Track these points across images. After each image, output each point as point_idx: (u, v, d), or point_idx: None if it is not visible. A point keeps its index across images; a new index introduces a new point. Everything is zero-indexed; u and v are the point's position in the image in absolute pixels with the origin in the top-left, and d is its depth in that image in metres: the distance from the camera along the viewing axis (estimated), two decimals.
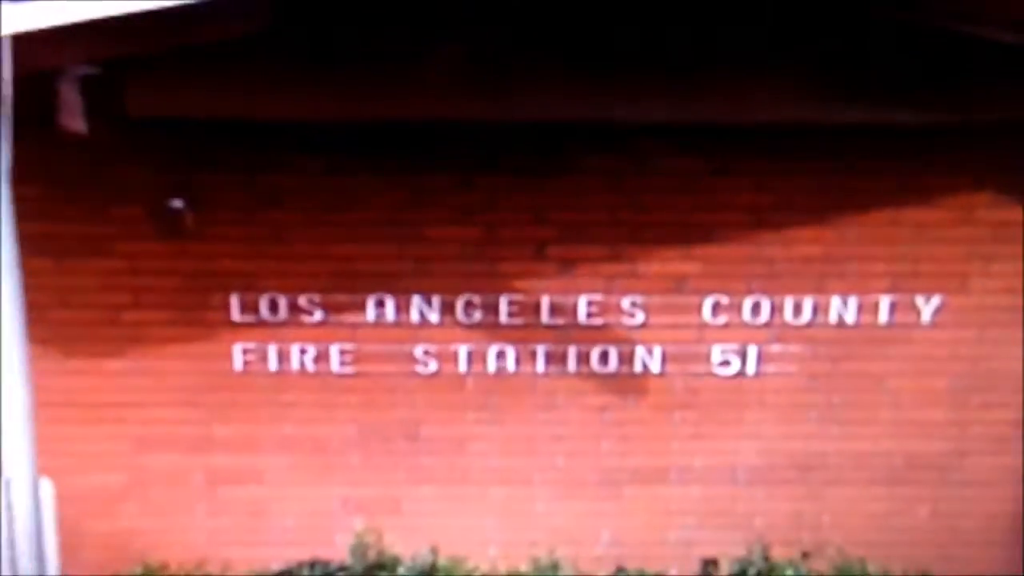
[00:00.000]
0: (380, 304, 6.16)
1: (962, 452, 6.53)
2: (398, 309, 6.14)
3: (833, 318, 6.26)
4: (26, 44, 4.31)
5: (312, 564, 6.53)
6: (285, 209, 6.01)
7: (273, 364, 6.18)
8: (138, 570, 6.42)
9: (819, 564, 6.57)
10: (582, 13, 5.35)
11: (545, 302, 6.21)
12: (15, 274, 4.65)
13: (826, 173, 6.04)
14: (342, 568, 6.49)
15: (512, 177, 5.98)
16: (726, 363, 6.29)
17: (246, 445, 6.31)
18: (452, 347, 6.25)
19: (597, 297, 6.22)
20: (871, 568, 6.55)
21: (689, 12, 5.27)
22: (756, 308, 6.21)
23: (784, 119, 5.54)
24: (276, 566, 6.47)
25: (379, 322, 6.18)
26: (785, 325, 6.25)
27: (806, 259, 6.15)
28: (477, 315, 6.19)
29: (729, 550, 6.60)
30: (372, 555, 6.47)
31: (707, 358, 6.30)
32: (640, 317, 6.23)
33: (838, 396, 6.42)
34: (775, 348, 6.28)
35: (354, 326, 6.18)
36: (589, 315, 6.23)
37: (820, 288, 6.18)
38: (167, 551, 6.46)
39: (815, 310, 6.22)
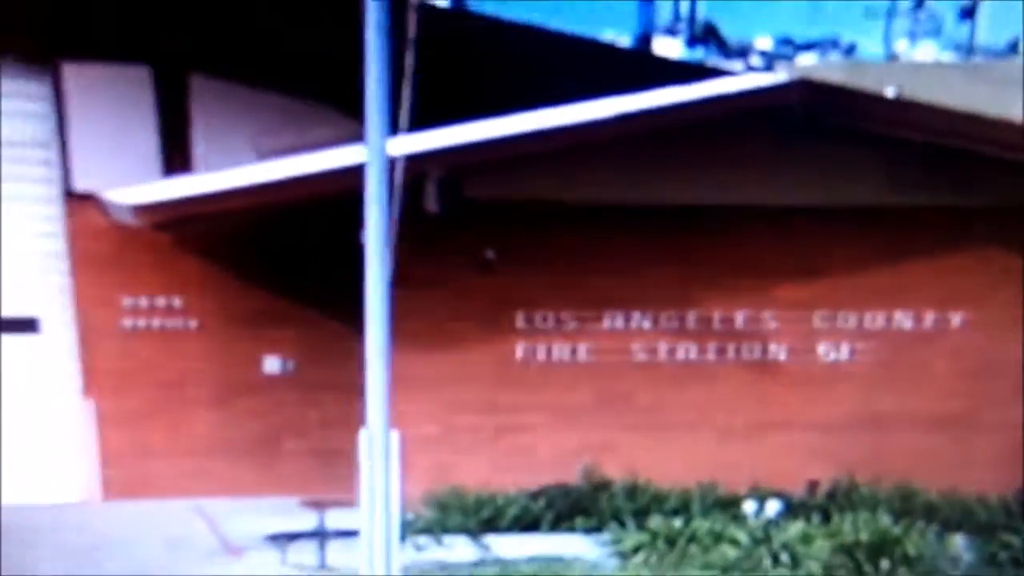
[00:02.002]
0: (612, 317, 10.59)
1: (978, 409, 10.84)
2: (624, 320, 10.47)
3: (895, 325, 10.78)
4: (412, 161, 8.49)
5: (557, 485, 10.65)
6: (555, 256, 10.26)
7: (541, 355, 10.46)
8: (447, 488, 10.51)
9: (885, 485, 10.83)
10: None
11: (716, 316, 10.78)
12: (384, 293, 8.52)
13: (895, 239, 10.57)
14: (576, 488, 10.68)
15: (704, 241, 10.50)
16: (827, 354, 10.76)
17: (519, 408, 10.45)
18: (656, 344, 10.67)
19: (749, 313, 10.77)
20: (917, 488, 10.85)
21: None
22: (845, 319, 10.83)
23: (874, 203, 10.22)
24: (533, 487, 10.57)
25: (611, 329, 10.57)
26: (864, 330, 10.79)
27: (878, 289, 10.77)
28: (673, 324, 10.57)
29: (826, 476, 10.90)
30: (596, 479, 10.81)
31: (815, 351, 10.84)
32: (774, 325, 10.79)
33: (897, 375, 10.83)
34: (858, 345, 10.83)
35: (594, 331, 10.54)
36: (744, 324, 10.65)
37: (888, 306, 10.69)
38: (465, 477, 10.51)
39: (885, 320, 10.76)
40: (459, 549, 11.03)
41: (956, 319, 11.36)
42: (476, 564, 10.79)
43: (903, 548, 10.40)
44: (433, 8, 12.23)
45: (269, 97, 12.25)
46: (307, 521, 11.28)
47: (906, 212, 11.01)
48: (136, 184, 11.65)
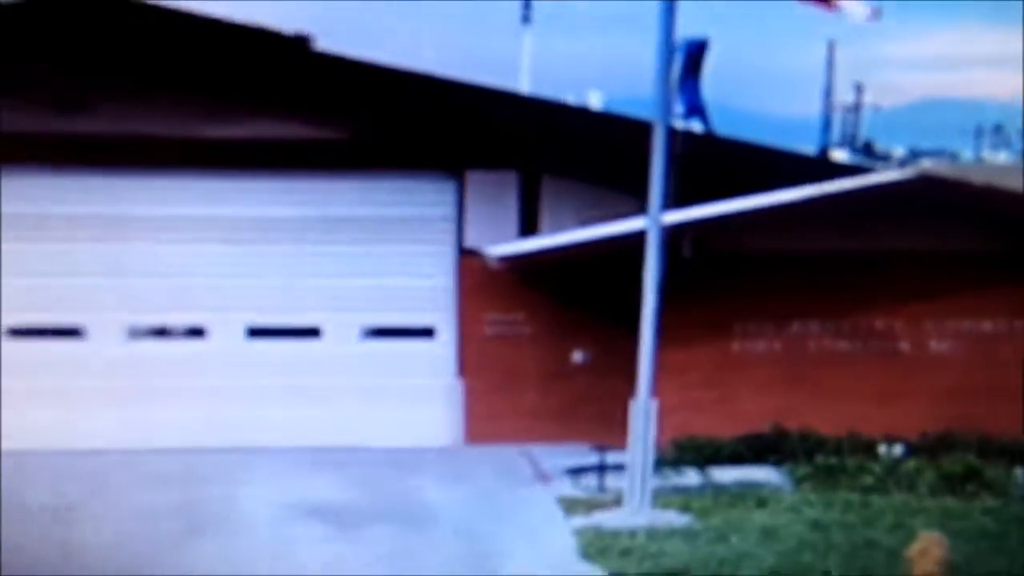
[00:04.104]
0: (794, 325, 15.18)
1: (1009, 383, 15.05)
2: (802, 327, 15.11)
3: (978, 329, 15.35)
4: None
5: (755, 434, 14.98)
6: (759, 285, 14.80)
7: (748, 350, 15.13)
8: (684, 437, 14.82)
9: (972, 435, 15.04)
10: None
11: (862, 323, 15.40)
12: (654, 310, 12.95)
13: (978, 273, 15.29)
14: (767, 436, 15.05)
15: (855, 276, 15.19)
16: (934, 347, 15.22)
17: (732, 384, 15.03)
18: (822, 342, 15.23)
19: (883, 321, 15.28)
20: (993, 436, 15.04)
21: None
22: (946, 325, 15.42)
23: (966, 250, 15.04)
24: (739, 435, 15.00)
25: (794, 332, 15.23)
26: (958, 331, 15.41)
27: (968, 305, 15.35)
28: (833, 329, 15.21)
29: (934, 428, 15.17)
30: (780, 431, 15.13)
31: (927, 345, 15.40)
32: (899, 328, 15.36)
33: (979, 361, 15.23)
34: (954, 342, 15.45)
35: (783, 334, 15.21)
36: (880, 328, 15.22)
37: (974, 316, 15.34)
38: (696, 429, 14.84)
39: (972, 325, 15.33)
40: (690, 476, 14.99)
41: (1018, 325, 15.78)
42: (701, 486, 14.64)
43: (983, 477, 14.43)
44: (692, 134, 16.75)
45: (587, 186, 16.50)
46: (593, 459, 15.02)
47: (988, 256, 15.46)
48: (502, 243, 16.14)
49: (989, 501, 14.33)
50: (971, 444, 15.39)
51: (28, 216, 15.77)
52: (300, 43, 15.10)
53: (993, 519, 13.76)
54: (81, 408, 15.93)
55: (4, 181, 15.44)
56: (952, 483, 14.68)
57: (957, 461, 14.98)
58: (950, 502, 14.31)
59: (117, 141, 15.64)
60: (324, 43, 15.36)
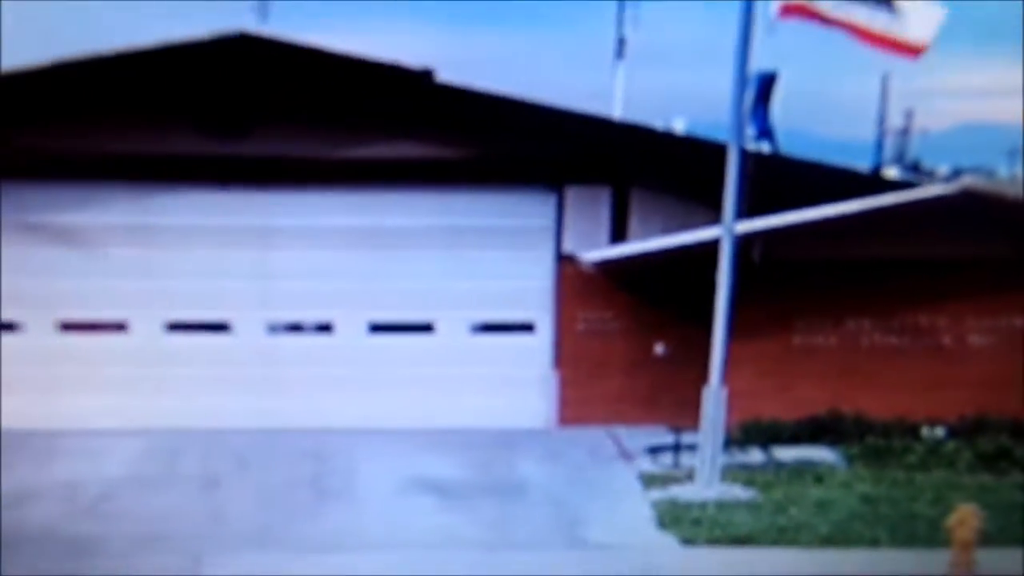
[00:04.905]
0: (848, 321, 16.35)
1: None
2: (855, 323, 16.24)
3: (1011, 324, 16.36)
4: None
5: (812, 417, 16.05)
6: (817, 287, 15.95)
7: (808, 343, 16.22)
8: (750, 420, 15.83)
9: (1004, 418, 16.16)
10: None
11: (909, 321, 16.53)
12: (727, 308, 14.29)
13: (1008, 277, 16.09)
14: (823, 419, 16.09)
15: (903, 278, 16.22)
16: (973, 342, 16.36)
17: (793, 374, 16.12)
18: (873, 337, 16.33)
19: (927, 319, 16.43)
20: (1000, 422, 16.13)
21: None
22: (983, 321, 16.40)
23: (1001, 256, 15.96)
24: (798, 418, 16.13)
25: (848, 328, 16.38)
26: (994, 327, 16.46)
27: (1002, 304, 16.44)
28: (883, 325, 16.30)
29: (971, 412, 16.25)
30: (835, 414, 16.26)
31: (966, 340, 16.57)
32: (943, 325, 16.43)
33: (1011, 353, 16.23)
34: (990, 337, 16.50)
35: (839, 330, 16.37)
36: (925, 325, 16.36)
37: (1008, 314, 16.35)
38: (760, 413, 15.89)
39: (1007, 322, 16.31)
40: (754, 455, 15.93)
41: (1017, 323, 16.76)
42: (764, 464, 15.55)
43: (1014, 456, 15.50)
44: (761, 154, 17.98)
45: (670, 199, 17.20)
46: (669, 439, 15.80)
47: (1016, 261, 16.21)
48: (594, 249, 16.99)
49: (1019, 477, 15.16)
50: (1003, 427, 16.19)
51: (183, 227, 16.84)
52: (425, 76, 15.83)
53: (1022, 493, 14.60)
54: (228, 393, 16.95)
55: (167, 197, 16.72)
56: (986, 462, 15.52)
57: (991, 442, 15.85)
58: (985, 478, 15.13)
59: (269, 162, 16.62)
60: (447, 74, 16.05)
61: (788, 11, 13.69)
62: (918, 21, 13.66)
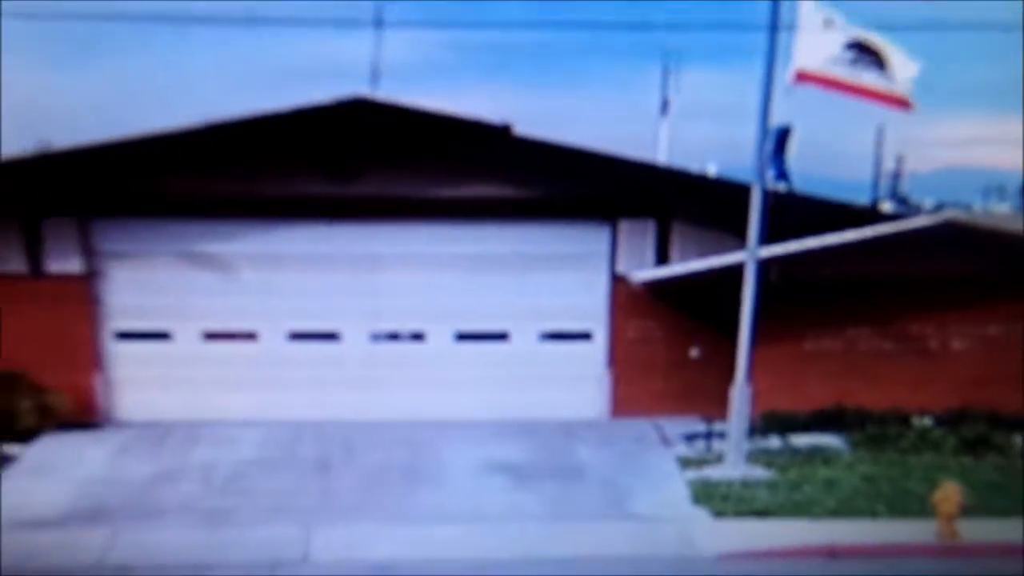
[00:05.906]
0: (853, 329, 18.01)
1: (1011, 373, 17.63)
2: (858, 332, 17.80)
3: (990, 332, 18.07)
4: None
5: (820, 410, 17.63)
6: (827, 301, 17.58)
7: (818, 348, 17.94)
8: (769, 412, 17.45)
9: (985, 410, 17.65)
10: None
11: (903, 328, 18.26)
12: (750, 319, 16.07)
13: (989, 292, 17.98)
14: (830, 411, 17.69)
15: (898, 293, 17.85)
16: (957, 346, 18.10)
17: (805, 373, 17.91)
18: (872, 342, 18.14)
19: (918, 327, 18.23)
20: (1002, 411, 17.38)
21: None
22: (966, 328, 18.20)
23: (976, 273, 17.68)
24: (810, 411, 17.74)
25: (853, 335, 18.18)
26: (976, 334, 18.26)
27: (984, 315, 18.26)
28: (881, 332, 17.85)
29: (956, 405, 17.79)
30: (841, 407, 17.84)
31: (951, 344, 18.40)
32: (931, 332, 18.28)
33: (991, 356, 17.94)
34: (972, 342, 18.31)
35: (846, 336, 18.18)
36: (916, 332, 18.09)
37: (985, 323, 18.09)
38: (777, 405, 17.57)
39: (985, 328, 17.98)
40: (773, 441, 17.07)
41: (1018, 329, 17.99)
42: (781, 449, 16.61)
43: (991, 442, 16.85)
44: (779, 192, 18.82)
45: (705, 229, 18.41)
46: (703, 428, 17.04)
47: (994, 278, 17.61)
48: (642, 270, 18.40)
49: (996, 460, 16.51)
50: (982, 417, 17.49)
51: (302, 254, 18.57)
52: (504, 129, 17.15)
53: (998, 473, 15.91)
54: (337, 391, 18.66)
55: (290, 230, 18.30)
56: (968, 446, 16.83)
57: (972, 430, 17.10)
58: (966, 460, 16.40)
59: (375, 201, 18.20)
60: (522, 128, 17.39)
61: (801, 78, 15.37)
62: (901, 75, 15.22)
